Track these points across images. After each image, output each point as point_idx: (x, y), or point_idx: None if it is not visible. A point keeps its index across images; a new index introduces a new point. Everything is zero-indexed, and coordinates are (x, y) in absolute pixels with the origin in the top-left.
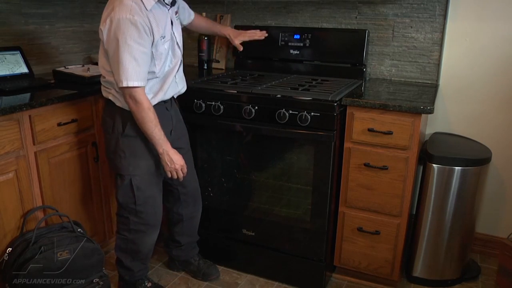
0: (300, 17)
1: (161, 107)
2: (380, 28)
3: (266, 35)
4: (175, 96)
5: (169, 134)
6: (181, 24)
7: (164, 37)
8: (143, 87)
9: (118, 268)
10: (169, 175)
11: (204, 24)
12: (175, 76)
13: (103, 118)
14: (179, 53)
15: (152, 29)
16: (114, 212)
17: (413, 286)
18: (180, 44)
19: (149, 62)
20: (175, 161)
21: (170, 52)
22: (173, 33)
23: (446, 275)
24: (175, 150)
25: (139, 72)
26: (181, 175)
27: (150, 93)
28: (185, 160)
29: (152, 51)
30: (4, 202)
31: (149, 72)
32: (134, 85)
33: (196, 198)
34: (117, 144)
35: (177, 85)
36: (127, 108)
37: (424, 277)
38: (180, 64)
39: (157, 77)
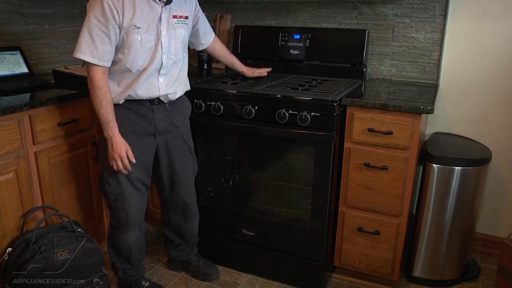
0: (300, 17)
1: (143, 108)
2: (380, 28)
3: (270, 69)
4: (163, 100)
5: (152, 137)
6: (199, 44)
7: (138, 28)
8: (101, 67)
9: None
10: (110, 163)
11: (220, 51)
12: (158, 78)
13: None
14: (160, 54)
15: (123, 13)
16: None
17: (413, 286)
18: (166, 47)
19: (109, 44)
20: (115, 149)
21: (152, 49)
22: (160, 31)
23: (446, 275)
24: (123, 140)
25: (93, 48)
26: (120, 165)
27: (121, 86)
28: (180, 174)
29: (123, 37)
30: (4, 202)
31: (117, 61)
32: (85, 59)
33: (186, 210)
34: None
35: (158, 89)
36: None
37: (424, 277)
38: (163, 67)
39: (129, 70)
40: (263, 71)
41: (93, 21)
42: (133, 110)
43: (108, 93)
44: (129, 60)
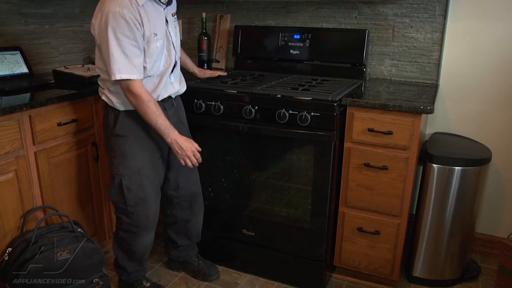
0: (300, 17)
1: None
2: (380, 28)
3: (225, 74)
4: (173, 97)
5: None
6: None
7: (156, 35)
8: (140, 80)
9: (115, 268)
10: (183, 163)
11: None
12: (170, 77)
13: (103, 117)
14: (174, 54)
15: (142, 24)
16: (114, 212)
17: (413, 286)
18: (176, 45)
19: (141, 56)
20: (185, 148)
21: (165, 52)
22: (169, 32)
23: (446, 275)
24: (185, 137)
25: (129, 65)
26: (194, 161)
27: None
28: (186, 168)
29: (144, 47)
30: (4, 202)
31: None
32: (125, 78)
33: (192, 202)
34: (109, 144)
35: (173, 86)
36: (118, 108)
37: (424, 277)
38: (176, 65)
39: (150, 76)
40: (214, 73)
41: (122, 39)
42: None
43: (155, 102)
44: (150, 67)
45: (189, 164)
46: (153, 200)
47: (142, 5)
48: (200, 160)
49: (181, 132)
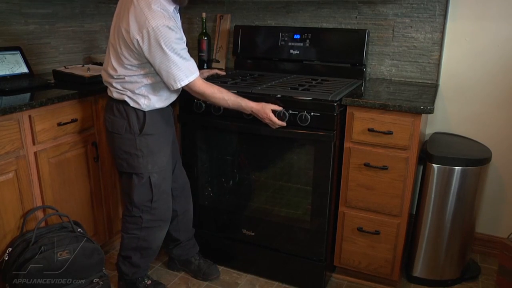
0: (300, 17)
1: (168, 109)
2: (380, 28)
3: (224, 73)
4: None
5: (174, 131)
6: None
7: (183, 37)
8: (199, 77)
9: (122, 267)
10: (272, 128)
11: None
12: None
13: (109, 119)
14: None
15: (179, 29)
16: (114, 212)
17: (413, 286)
18: None
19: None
20: (261, 117)
21: None
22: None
23: (446, 275)
24: (258, 104)
25: (192, 65)
26: (276, 125)
27: (163, 97)
28: (173, 155)
29: None
30: (4, 202)
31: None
32: (190, 81)
33: (186, 191)
34: (132, 144)
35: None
36: (144, 109)
37: (424, 277)
38: None
39: None
40: (212, 71)
41: (175, 46)
42: (163, 112)
43: (219, 88)
44: None
45: (274, 127)
46: (170, 191)
47: (171, 12)
48: (279, 121)
49: (173, 134)
